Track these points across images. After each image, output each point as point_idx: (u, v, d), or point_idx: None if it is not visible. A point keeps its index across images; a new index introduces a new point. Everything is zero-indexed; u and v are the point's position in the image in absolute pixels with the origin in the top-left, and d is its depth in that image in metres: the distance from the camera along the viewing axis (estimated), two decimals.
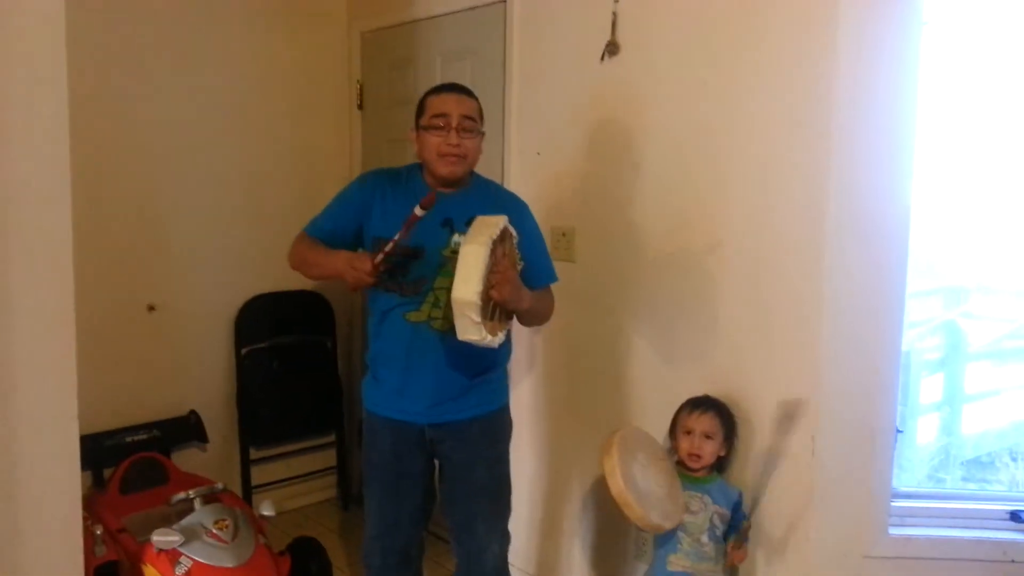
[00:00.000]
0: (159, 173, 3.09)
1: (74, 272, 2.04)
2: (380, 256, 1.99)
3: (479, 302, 1.82)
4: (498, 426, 2.25)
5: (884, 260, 2.08)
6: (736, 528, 2.10)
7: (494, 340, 1.90)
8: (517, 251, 2.04)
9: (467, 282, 1.82)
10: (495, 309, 1.93)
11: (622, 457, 1.99)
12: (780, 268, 2.15)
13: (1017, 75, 2.30)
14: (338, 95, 3.55)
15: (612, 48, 2.47)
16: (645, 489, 1.99)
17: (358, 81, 3.52)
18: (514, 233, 2.00)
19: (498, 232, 1.88)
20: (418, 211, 1.94)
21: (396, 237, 1.97)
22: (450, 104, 2.05)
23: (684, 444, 2.14)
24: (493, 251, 1.86)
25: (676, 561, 2.09)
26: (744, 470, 2.21)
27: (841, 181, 2.04)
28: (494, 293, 1.88)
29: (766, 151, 2.15)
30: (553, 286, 2.23)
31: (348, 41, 3.53)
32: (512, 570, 2.55)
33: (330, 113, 3.54)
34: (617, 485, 1.96)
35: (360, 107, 3.53)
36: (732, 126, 2.22)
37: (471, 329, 1.85)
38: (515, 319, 2.11)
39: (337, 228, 2.17)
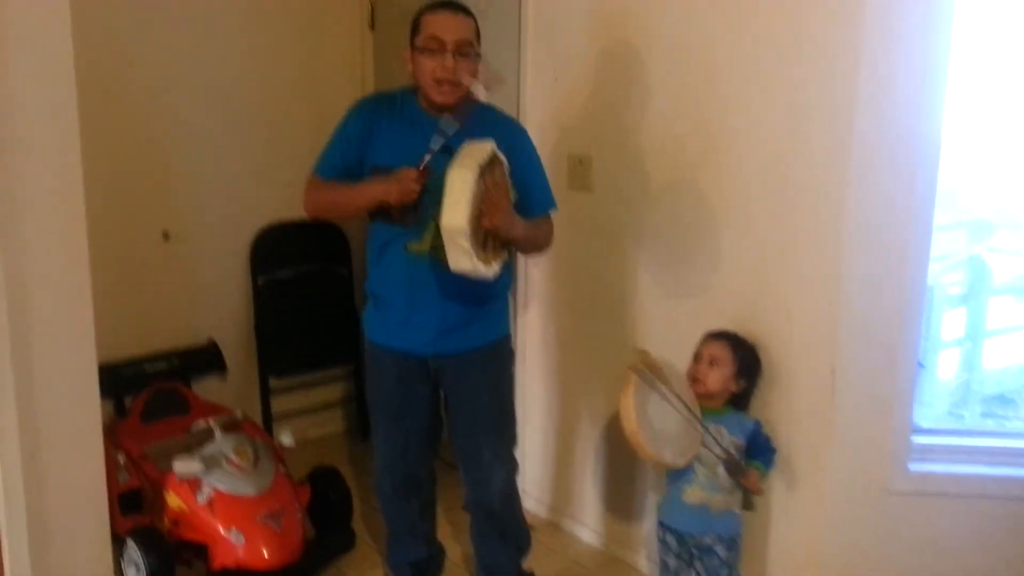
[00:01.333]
0: (169, 98, 3.03)
1: (86, 201, 2.02)
2: (425, 162, 1.94)
3: (468, 229, 1.76)
4: (500, 355, 2.25)
5: (910, 191, 2.02)
6: (758, 456, 2.09)
7: (488, 270, 1.85)
8: (508, 179, 1.97)
9: (455, 208, 1.76)
10: (487, 238, 1.87)
11: (638, 395, 1.97)
12: (802, 199, 2.09)
13: None
14: (349, 15, 3.45)
15: None
16: (660, 427, 1.98)
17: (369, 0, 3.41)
18: (504, 160, 1.94)
19: (485, 158, 1.82)
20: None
21: (436, 144, 1.94)
22: (446, 26, 1.97)
23: (690, 367, 2.14)
24: (482, 177, 1.79)
25: (692, 492, 2.10)
26: (764, 404, 2.19)
27: (868, 109, 1.97)
28: (485, 221, 1.83)
29: (792, 77, 2.07)
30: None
31: None
32: (527, 500, 2.60)
33: (341, 33, 3.44)
34: (631, 426, 1.94)
35: (372, 27, 3.43)
36: (757, 51, 2.13)
37: (462, 258, 1.79)
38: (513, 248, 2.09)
39: (348, 163, 2.11)
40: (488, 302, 2.16)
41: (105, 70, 2.82)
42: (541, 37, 2.70)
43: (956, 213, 2.82)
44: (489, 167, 1.84)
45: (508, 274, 2.24)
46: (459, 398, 2.22)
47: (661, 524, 2.19)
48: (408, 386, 2.20)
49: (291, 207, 3.30)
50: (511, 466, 2.29)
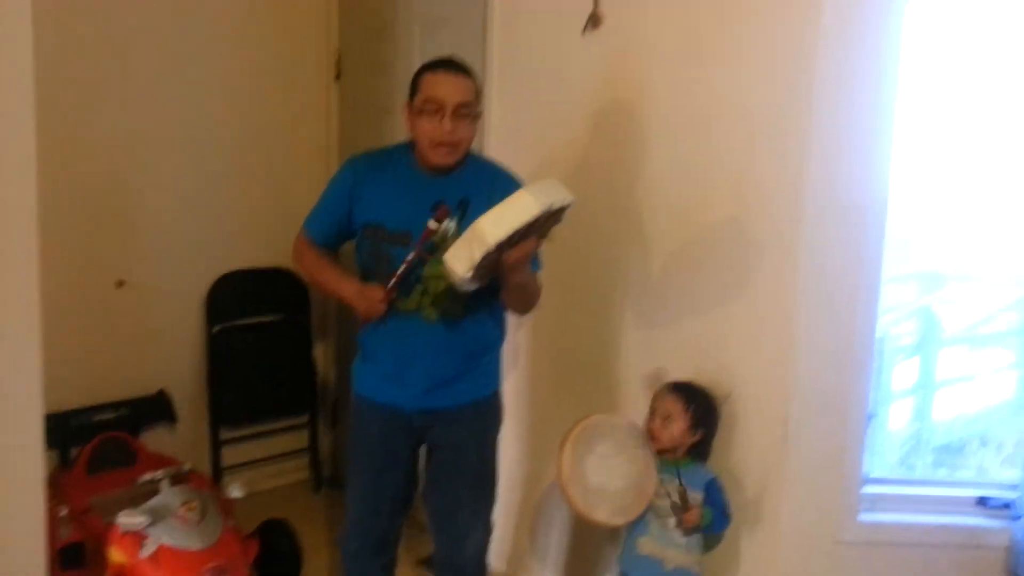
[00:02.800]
0: (128, 143, 3.01)
1: (39, 246, 1.99)
2: (393, 282, 1.96)
3: (493, 247, 1.72)
4: (489, 412, 2.22)
5: (861, 245, 2.07)
6: (711, 504, 2.09)
7: (468, 283, 1.81)
8: (549, 235, 1.94)
9: (500, 223, 1.72)
10: (493, 265, 1.84)
11: (575, 451, 1.98)
12: (756, 253, 2.13)
13: (998, 61, 2.29)
14: (315, 64, 3.47)
15: (594, 20, 2.41)
16: (597, 484, 1.99)
17: (336, 50, 3.45)
18: (562, 220, 1.91)
19: (558, 205, 1.79)
20: (432, 225, 1.92)
21: (409, 258, 1.95)
22: (445, 88, 1.95)
23: (646, 422, 2.15)
24: (537, 219, 1.76)
25: (644, 543, 2.08)
26: (718, 455, 2.20)
27: (820, 164, 2.02)
28: (508, 252, 1.78)
29: (746, 135, 2.13)
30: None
31: (326, 9, 3.45)
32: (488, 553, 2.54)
33: (307, 82, 3.46)
34: (561, 483, 1.97)
35: (337, 77, 3.46)
36: (714, 104, 2.19)
37: (462, 260, 1.75)
38: (501, 298, 2.06)
39: (334, 221, 2.12)
40: (479, 357, 2.14)
41: (63, 115, 2.81)
42: (504, 89, 2.74)
43: (908, 265, 2.88)
44: (553, 213, 1.81)
45: (501, 331, 2.22)
46: (443, 452, 2.18)
47: (620, 573, 2.17)
48: (391, 442, 2.16)
49: (249, 255, 3.31)
50: (487, 528, 2.25)
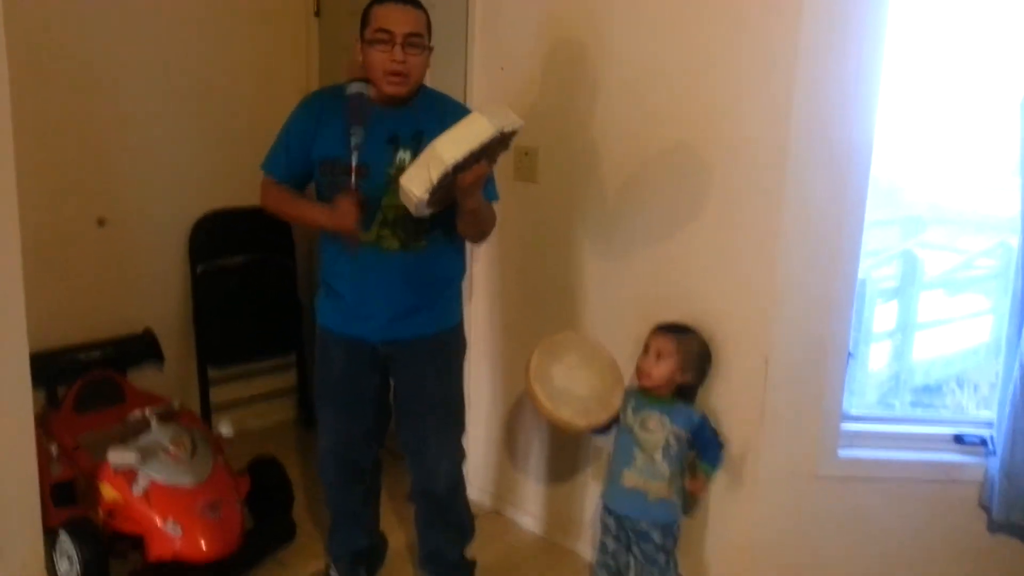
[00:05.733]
0: (107, 79, 2.96)
1: (18, 184, 1.97)
2: (354, 180, 1.93)
3: (450, 168, 1.74)
4: (451, 344, 2.25)
5: (844, 186, 2.08)
6: (703, 450, 2.15)
7: (424, 207, 1.83)
8: (498, 160, 1.95)
9: (455, 144, 1.74)
10: (447, 189, 1.86)
11: (541, 358, 2.13)
12: (740, 191, 2.14)
13: (980, 8, 2.29)
14: (295, 2, 3.40)
15: None
16: (563, 387, 2.12)
17: None
18: (510, 146, 1.93)
19: (511, 129, 1.81)
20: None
21: (358, 153, 1.93)
22: (395, 18, 1.96)
23: (639, 360, 2.18)
24: (491, 141, 1.77)
25: (629, 476, 2.14)
26: (703, 392, 2.24)
27: (804, 105, 2.02)
28: (462, 175, 1.81)
29: (730, 73, 2.12)
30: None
31: None
32: (472, 489, 2.59)
33: (286, 20, 3.40)
34: (527, 382, 2.10)
35: (317, 14, 3.40)
36: (697, 47, 2.17)
37: (419, 182, 1.77)
38: (456, 224, 2.06)
39: (295, 158, 2.11)
40: (440, 289, 2.16)
41: (40, 48, 2.75)
42: (488, 28, 2.70)
43: (892, 209, 2.90)
44: (504, 137, 1.82)
45: (462, 262, 2.24)
46: (406, 385, 2.21)
47: (604, 506, 2.24)
48: (356, 373, 2.19)
49: (233, 194, 3.27)
50: (458, 455, 2.29)
